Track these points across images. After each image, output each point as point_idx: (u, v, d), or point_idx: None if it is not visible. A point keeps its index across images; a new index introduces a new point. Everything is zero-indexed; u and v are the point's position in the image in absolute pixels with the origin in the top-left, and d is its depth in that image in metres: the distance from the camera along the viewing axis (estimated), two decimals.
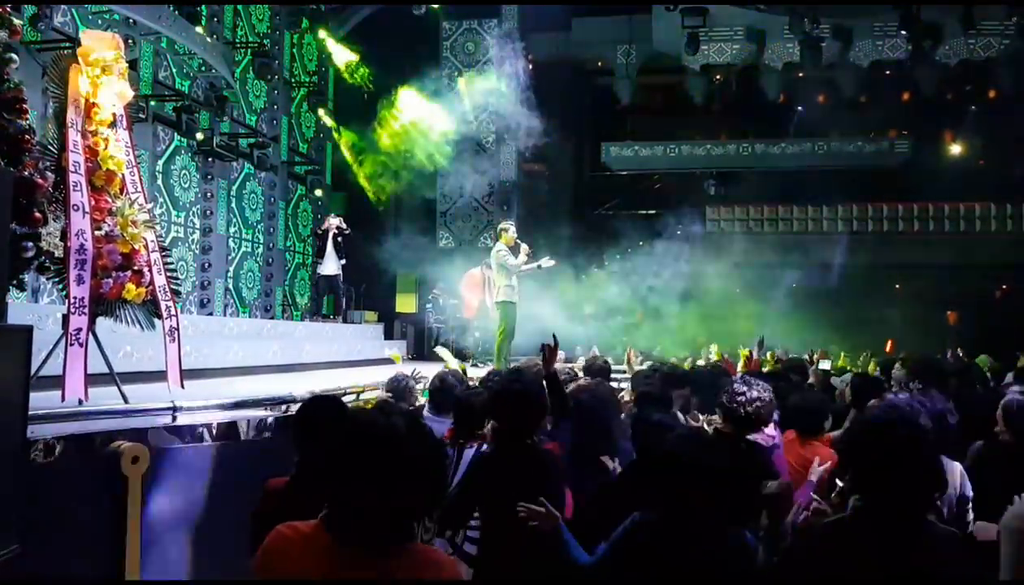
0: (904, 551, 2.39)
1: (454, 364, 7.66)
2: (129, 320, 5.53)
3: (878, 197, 20.39)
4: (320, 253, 14.32)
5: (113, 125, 5.65)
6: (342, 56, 16.49)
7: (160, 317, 5.72)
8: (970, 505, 3.70)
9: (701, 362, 11.37)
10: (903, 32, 16.74)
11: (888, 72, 18.71)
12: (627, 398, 5.94)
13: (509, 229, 10.58)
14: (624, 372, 8.80)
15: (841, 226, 20.64)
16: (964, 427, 4.37)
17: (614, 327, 16.43)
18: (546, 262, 10.44)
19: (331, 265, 14.14)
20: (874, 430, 2.59)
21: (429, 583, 1.97)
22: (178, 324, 5.88)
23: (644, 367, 8.22)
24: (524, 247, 10.47)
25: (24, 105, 4.76)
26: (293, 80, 16.28)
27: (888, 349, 15.22)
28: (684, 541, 2.79)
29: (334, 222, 14.32)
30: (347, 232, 14.35)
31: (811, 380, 7.79)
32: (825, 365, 9.23)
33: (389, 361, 10.11)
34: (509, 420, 3.65)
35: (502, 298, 10.38)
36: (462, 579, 2.14)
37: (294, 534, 1.96)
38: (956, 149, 19.39)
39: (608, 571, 2.94)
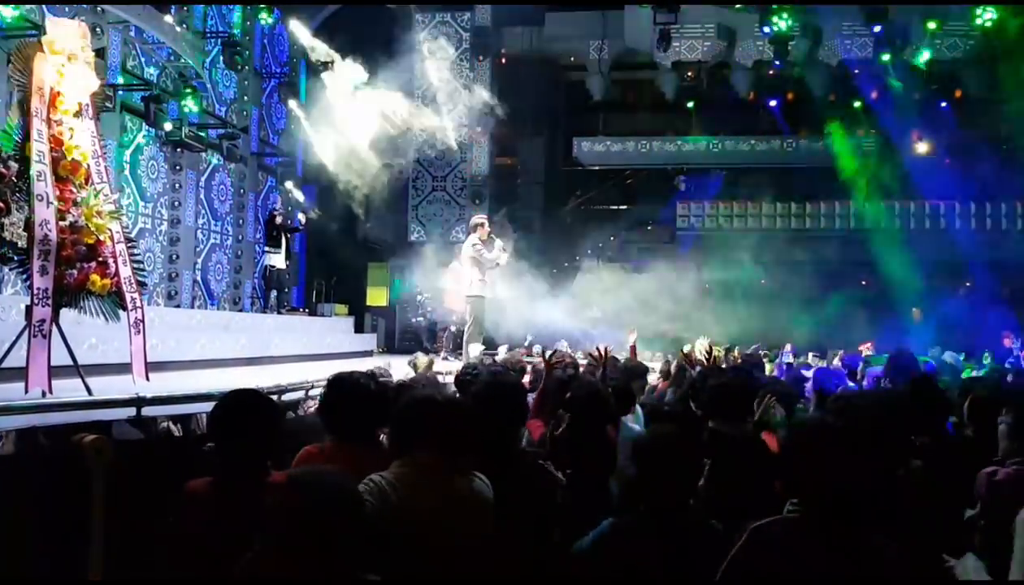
0: (843, 563, 2.37)
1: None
2: (94, 311, 5.48)
3: (844, 194, 20.60)
4: (274, 243, 14.04)
5: (79, 114, 5.59)
6: (314, 46, 16.39)
7: (125, 309, 5.67)
8: None
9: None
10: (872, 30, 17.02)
11: (857, 71, 18.92)
12: None
13: (484, 223, 10.62)
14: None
15: (808, 222, 20.85)
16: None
17: (584, 321, 16.47)
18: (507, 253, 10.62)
19: (281, 258, 14.00)
20: (804, 436, 2.59)
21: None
22: (143, 316, 5.84)
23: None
24: (499, 242, 10.52)
25: None
26: (264, 71, 16.15)
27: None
28: (665, 540, 2.72)
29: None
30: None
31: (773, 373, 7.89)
32: (788, 358, 9.34)
33: (361, 354, 10.08)
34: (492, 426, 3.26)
35: (474, 292, 10.41)
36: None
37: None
38: (922, 148, 19.62)
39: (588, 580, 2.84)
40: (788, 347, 12.85)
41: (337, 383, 3.42)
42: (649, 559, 2.70)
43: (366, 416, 3.30)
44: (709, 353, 8.26)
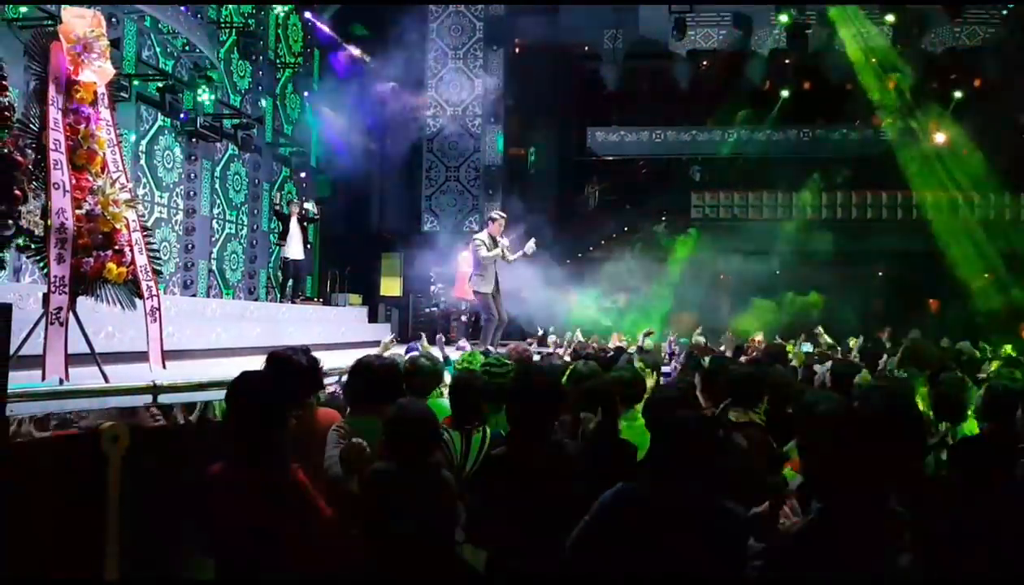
0: (865, 555, 2.41)
1: None
2: (110, 300, 5.49)
3: (862, 185, 20.46)
4: (284, 235, 13.92)
5: (94, 104, 5.59)
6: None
7: (141, 297, 5.69)
8: None
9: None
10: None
11: (874, 59, 18.77)
12: None
13: (498, 219, 10.32)
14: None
15: (825, 213, 20.72)
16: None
17: (598, 311, 16.48)
18: (530, 247, 10.34)
19: (297, 249, 13.98)
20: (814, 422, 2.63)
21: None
22: (159, 304, 5.85)
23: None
24: (504, 241, 10.27)
25: (5, 82, 4.71)
26: (278, 61, 16.15)
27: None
28: (670, 510, 2.78)
29: (305, 206, 14.27)
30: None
31: (793, 363, 7.85)
32: (808, 348, 9.28)
33: (374, 343, 10.07)
34: (525, 415, 3.51)
35: (473, 288, 10.34)
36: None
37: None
38: (941, 137, 19.44)
39: (592, 543, 2.92)
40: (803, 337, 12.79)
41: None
42: (643, 524, 2.79)
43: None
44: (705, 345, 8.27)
